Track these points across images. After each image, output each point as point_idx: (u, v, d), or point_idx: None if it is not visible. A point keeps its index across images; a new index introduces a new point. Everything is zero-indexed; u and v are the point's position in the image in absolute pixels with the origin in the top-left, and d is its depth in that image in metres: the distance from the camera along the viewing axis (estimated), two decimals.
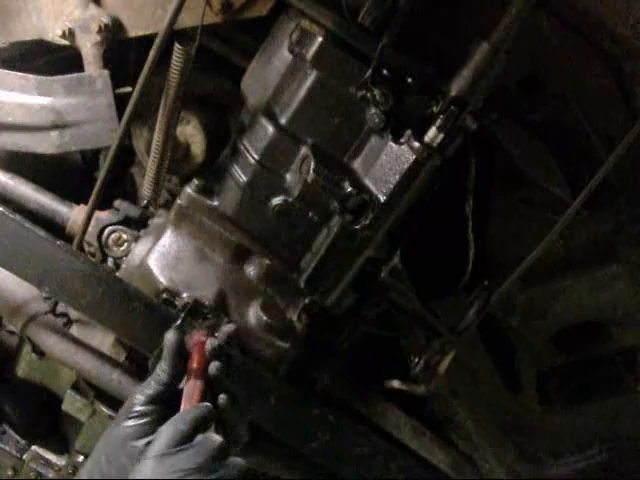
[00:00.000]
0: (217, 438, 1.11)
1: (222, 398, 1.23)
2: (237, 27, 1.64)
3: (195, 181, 1.57)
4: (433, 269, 1.63)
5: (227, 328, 1.38)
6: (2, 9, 1.58)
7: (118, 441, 1.16)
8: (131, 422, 1.17)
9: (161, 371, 1.22)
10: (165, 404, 1.20)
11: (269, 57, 1.52)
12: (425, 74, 1.42)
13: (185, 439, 1.09)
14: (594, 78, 1.51)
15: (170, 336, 1.26)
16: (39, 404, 1.93)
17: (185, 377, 1.26)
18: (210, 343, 1.28)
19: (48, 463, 1.88)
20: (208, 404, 1.17)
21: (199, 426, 1.12)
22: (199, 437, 1.10)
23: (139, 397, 1.20)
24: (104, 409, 1.73)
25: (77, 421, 1.79)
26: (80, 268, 1.51)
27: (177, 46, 1.38)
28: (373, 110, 1.40)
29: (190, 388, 1.22)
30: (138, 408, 1.18)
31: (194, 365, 1.27)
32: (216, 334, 1.35)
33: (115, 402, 1.69)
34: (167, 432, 1.10)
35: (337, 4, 1.38)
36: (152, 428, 1.16)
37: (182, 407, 1.18)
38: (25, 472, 1.88)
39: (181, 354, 1.25)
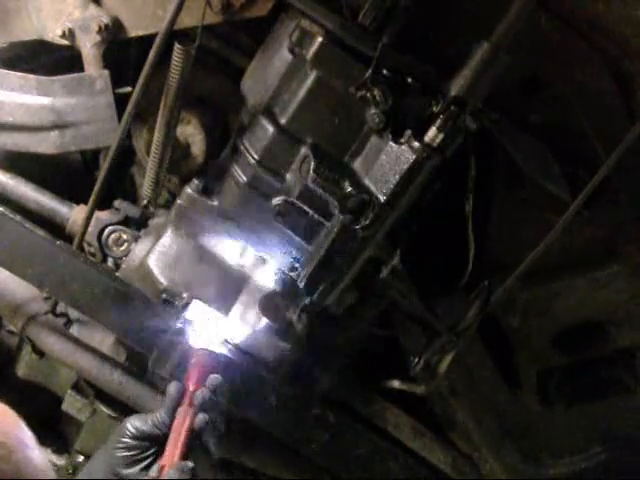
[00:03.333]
0: None
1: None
2: (237, 27, 1.64)
3: (195, 181, 1.57)
4: (433, 269, 1.63)
5: (214, 380, 1.35)
6: (2, 9, 1.58)
7: (104, 466, 1.22)
8: (119, 453, 1.22)
9: (160, 418, 1.26)
10: (155, 440, 1.25)
11: (269, 57, 1.52)
12: (425, 74, 1.42)
13: None
14: (594, 78, 1.51)
15: (173, 388, 1.29)
16: (39, 404, 1.93)
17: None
18: (200, 395, 1.29)
19: None
20: (190, 465, 1.19)
21: None
22: None
23: (131, 430, 1.24)
24: (104, 409, 1.73)
25: (77, 421, 1.79)
26: (80, 268, 1.51)
27: (177, 46, 1.38)
28: (373, 110, 1.40)
29: (182, 416, 1.25)
30: (127, 441, 1.23)
31: (191, 387, 1.30)
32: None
33: (115, 402, 1.69)
34: None
35: (337, 4, 1.38)
36: (138, 459, 1.23)
37: (171, 434, 1.23)
38: None
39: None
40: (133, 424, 1.24)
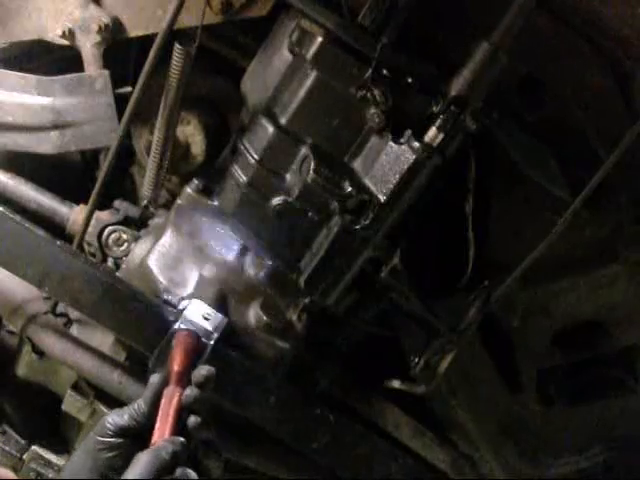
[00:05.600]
0: (194, 476, 1.11)
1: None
2: (237, 27, 1.64)
3: (195, 181, 1.57)
4: (433, 269, 1.63)
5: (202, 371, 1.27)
6: (2, 9, 1.58)
7: (90, 473, 1.17)
8: (103, 454, 1.17)
9: (138, 409, 1.21)
10: (136, 437, 1.19)
11: (269, 57, 1.52)
12: (425, 74, 1.42)
13: (165, 471, 1.08)
14: (594, 78, 1.51)
15: (155, 379, 1.24)
16: (39, 404, 1.93)
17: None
18: (187, 396, 1.22)
19: (48, 463, 1.88)
20: (181, 439, 1.14)
21: (178, 460, 1.11)
22: (179, 470, 1.09)
23: (110, 428, 1.18)
24: (104, 409, 1.72)
25: (77, 421, 1.78)
26: (80, 268, 1.51)
27: (177, 46, 1.38)
28: (373, 110, 1.40)
29: (170, 395, 1.20)
30: (109, 440, 1.18)
31: (175, 367, 1.26)
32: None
33: (115, 402, 1.69)
34: (147, 459, 1.08)
35: (337, 4, 1.38)
36: (122, 461, 1.16)
37: (160, 412, 1.17)
38: (25, 472, 1.88)
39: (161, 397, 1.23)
40: (110, 421, 1.19)
